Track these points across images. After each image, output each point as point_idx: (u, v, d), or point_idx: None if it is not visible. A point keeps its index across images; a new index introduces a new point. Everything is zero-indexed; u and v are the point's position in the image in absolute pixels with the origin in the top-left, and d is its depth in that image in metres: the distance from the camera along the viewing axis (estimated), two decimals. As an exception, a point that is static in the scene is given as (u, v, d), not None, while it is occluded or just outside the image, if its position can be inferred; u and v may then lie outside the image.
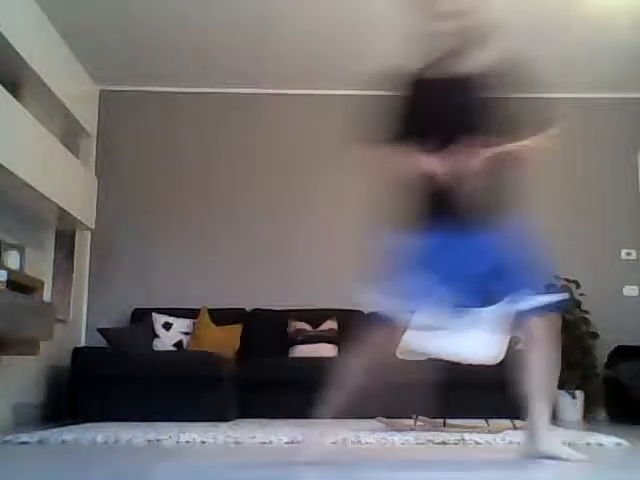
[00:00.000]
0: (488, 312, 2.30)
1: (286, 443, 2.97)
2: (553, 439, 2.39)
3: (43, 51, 4.53)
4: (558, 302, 2.30)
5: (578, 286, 5.43)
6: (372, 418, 4.01)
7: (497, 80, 2.37)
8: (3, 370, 4.13)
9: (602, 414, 5.27)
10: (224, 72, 5.50)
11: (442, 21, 2.30)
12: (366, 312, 5.41)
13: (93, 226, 5.42)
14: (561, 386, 5.17)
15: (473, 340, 3.56)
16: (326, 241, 5.48)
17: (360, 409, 2.41)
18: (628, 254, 5.64)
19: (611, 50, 5.07)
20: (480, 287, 2.26)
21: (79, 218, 5.07)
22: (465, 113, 2.32)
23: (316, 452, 2.24)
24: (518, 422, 3.89)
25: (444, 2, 2.30)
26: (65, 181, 4.79)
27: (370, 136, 2.31)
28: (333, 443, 2.99)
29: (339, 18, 4.64)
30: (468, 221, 2.23)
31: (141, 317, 5.19)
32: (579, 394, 5.15)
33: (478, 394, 4.24)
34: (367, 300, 2.26)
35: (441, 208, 2.24)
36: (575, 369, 5.19)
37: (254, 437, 3.11)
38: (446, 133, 2.27)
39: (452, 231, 2.21)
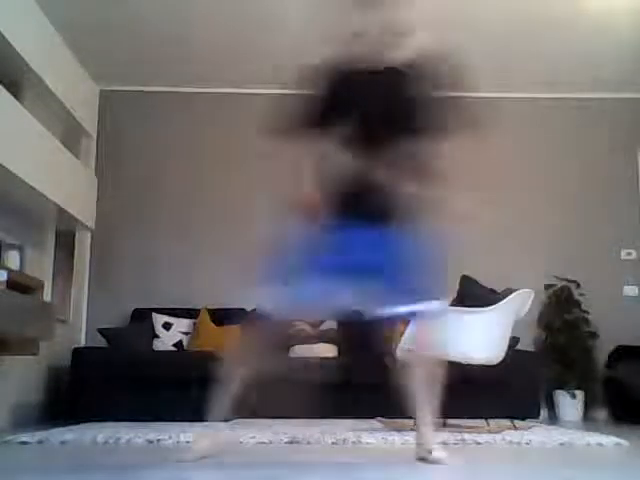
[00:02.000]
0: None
1: (286, 443, 2.98)
2: (435, 442, 2.33)
3: (43, 51, 4.53)
4: (429, 311, 2.23)
5: (578, 286, 5.44)
6: (372, 418, 4.02)
7: (421, 75, 2.32)
8: (3, 370, 4.13)
9: (602, 414, 5.27)
10: (224, 72, 5.50)
11: (364, 17, 2.27)
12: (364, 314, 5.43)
13: (93, 226, 5.43)
14: (561, 386, 5.18)
15: (473, 340, 3.57)
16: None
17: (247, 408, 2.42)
18: (628, 254, 5.64)
19: (611, 50, 5.08)
20: (368, 282, 2.24)
21: (79, 218, 5.07)
22: (386, 106, 2.30)
23: (202, 452, 2.29)
24: (518, 422, 3.90)
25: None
26: (65, 181, 4.79)
27: (284, 124, 2.33)
28: (333, 443, 2.99)
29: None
30: (373, 217, 2.23)
31: (141, 317, 5.18)
32: (579, 394, 5.15)
33: (478, 394, 4.24)
34: (258, 296, 2.25)
35: (348, 203, 2.25)
36: (575, 369, 5.20)
37: (254, 437, 3.11)
38: (366, 125, 2.27)
39: (353, 224, 2.21)
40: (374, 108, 2.29)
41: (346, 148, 2.29)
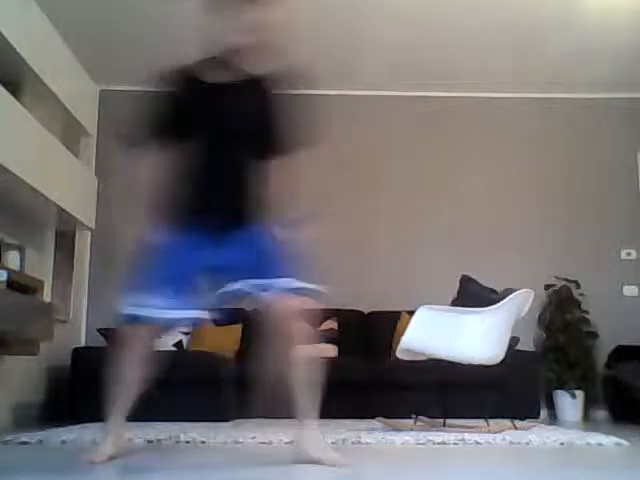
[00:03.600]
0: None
1: (286, 443, 2.97)
2: (320, 441, 2.27)
3: (43, 51, 4.53)
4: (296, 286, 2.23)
5: (578, 286, 5.44)
6: (372, 418, 4.02)
7: (273, 84, 2.37)
8: (3, 370, 4.13)
9: (602, 414, 5.27)
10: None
11: (232, 23, 2.33)
12: (366, 312, 5.43)
13: (93, 226, 5.42)
14: (561, 386, 5.18)
15: (473, 340, 3.57)
16: (326, 240, 5.47)
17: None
18: (628, 254, 5.64)
19: (611, 50, 5.08)
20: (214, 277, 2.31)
21: (79, 218, 5.07)
22: (235, 115, 2.34)
23: (104, 454, 2.29)
24: (518, 422, 3.90)
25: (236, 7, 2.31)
26: (65, 181, 4.79)
27: (132, 134, 2.38)
28: (333, 443, 2.99)
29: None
30: (218, 216, 2.30)
31: (141, 317, 5.18)
32: (579, 394, 5.15)
33: (478, 394, 4.24)
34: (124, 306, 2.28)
35: (196, 205, 2.32)
36: (575, 369, 5.20)
37: (254, 437, 3.11)
38: (215, 133, 2.31)
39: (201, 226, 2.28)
40: (227, 118, 2.33)
41: (196, 153, 2.33)
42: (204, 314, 2.33)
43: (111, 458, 2.29)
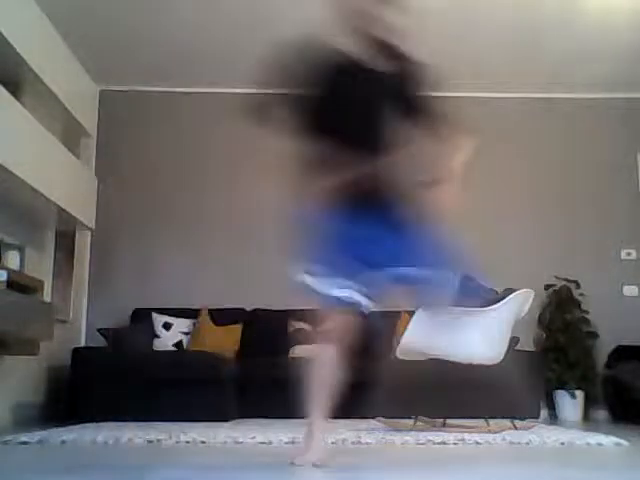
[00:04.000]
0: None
1: (286, 443, 2.98)
2: (324, 446, 2.26)
3: (43, 51, 4.53)
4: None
5: (578, 286, 5.44)
6: (372, 418, 4.02)
7: (408, 80, 2.36)
8: (3, 370, 4.13)
9: (602, 414, 5.27)
10: (224, 72, 5.49)
11: (361, 21, 2.28)
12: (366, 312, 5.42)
13: (93, 226, 5.42)
14: (561, 386, 5.18)
15: (473, 340, 3.57)
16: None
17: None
18: (628, 254, 5.64)
19: (610, 50, 5.08)
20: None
21: (79, 218, 5.07)
22: (375, 110, 2.32)
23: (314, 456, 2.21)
24: (518, 422, 3.90)
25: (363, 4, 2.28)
26: (65, 181, 4.79)
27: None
28: (333, 443, 2.99)
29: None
30: (383, 208, 2.26)
31: (141, 317, 5.18)
32: (579, 394, 5.15)
33: (478, 394, 4.24)
34: (304, 284, 2.26)
35: (357, 192, 2.25)
36: (575, 369, 5.20)
37: (254, 437, 3.11)
38: (355, 130, 2.29)
39: (363, 212, 2.23)
40: (366, 110, 2.31)
41: (340, 147, 2.29)
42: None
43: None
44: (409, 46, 2.35)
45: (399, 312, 5.12)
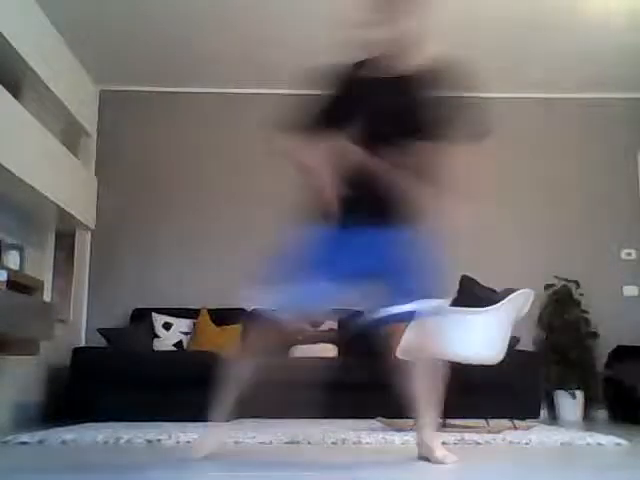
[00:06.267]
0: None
1: (286, 443, 2.98)
2: (437, 441, 2.36)
3: (43, 51, 4.53)
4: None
5: (578, 286, 5.44)
6: (372, 418, 4.02)
7: (431, 80, 2.36)
8: (3, 370, 4.13)
9: (602, 414, 5.27)
10: (224, 72, 5.49)
11: (378, 22, 2.29)
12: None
13: (93, 226, 5.43)
14: (561, 386, 5.18)
15: (473, 340, 3.57)
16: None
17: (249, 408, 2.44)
18: (628, 254, 5.64)
19: (611, 50, 5.07)
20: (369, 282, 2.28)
21: (79, 218, 5.07)
22: (397, 112, 2.31)
23: (205, 450, 2.36)
24: (518, 422, 3.90)
25: (381, 5, 2.29)
26: (65, 181, 4.79)
27: (290, 124, 2.34)
28: (333, 443, 2.99)
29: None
30: (374, 217, 2.25)
31: (141, 317, 5.18)
32: (579, 394, 5.15)
33: (478, 394, 4.24)
34: (251, 298, 2.28)
35: (353, 204, 2.24)
36: (575, 369, 5.19)
37: (254, 437, 3.11)
38: (374, 127, 2.28)
39: (352, 226, 2.23)
40: (383, 110, 2.30)
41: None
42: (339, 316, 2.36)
43: (205, 457, 2.33)
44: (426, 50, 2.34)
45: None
